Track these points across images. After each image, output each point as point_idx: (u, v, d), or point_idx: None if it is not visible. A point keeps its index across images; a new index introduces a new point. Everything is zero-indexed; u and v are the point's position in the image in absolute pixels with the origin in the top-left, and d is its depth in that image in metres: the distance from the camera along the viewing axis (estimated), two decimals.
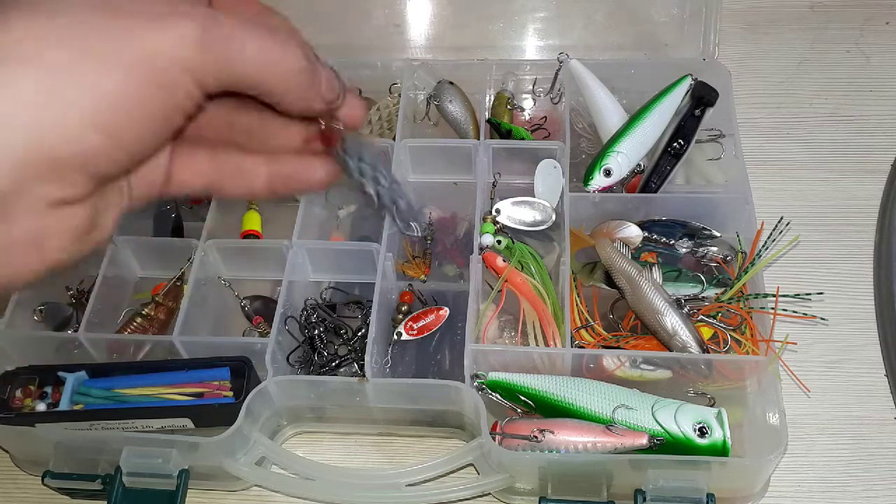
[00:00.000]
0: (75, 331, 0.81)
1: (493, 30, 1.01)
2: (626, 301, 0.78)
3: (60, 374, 0.78)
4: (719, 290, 0.80)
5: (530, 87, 0.98)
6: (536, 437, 0.71)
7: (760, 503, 0.76)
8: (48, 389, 0.79)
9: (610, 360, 0.75)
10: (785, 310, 0.76)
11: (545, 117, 0.97)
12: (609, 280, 0.79)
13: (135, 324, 0.84)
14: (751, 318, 0.77)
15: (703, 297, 0.79)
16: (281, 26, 0.45)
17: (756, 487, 0.75)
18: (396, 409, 0.79)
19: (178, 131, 0.41)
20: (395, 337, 0.82)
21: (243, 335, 0.87)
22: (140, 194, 0.43)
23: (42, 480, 0.76)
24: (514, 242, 0.84)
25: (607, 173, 0.86)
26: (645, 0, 0.98)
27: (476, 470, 0.77)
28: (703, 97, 0.87)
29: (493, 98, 0.98)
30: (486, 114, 0.96)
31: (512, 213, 0.86)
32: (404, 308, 0.85)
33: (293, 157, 0.48)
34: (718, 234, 0.84)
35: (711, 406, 0.74)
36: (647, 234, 0.84)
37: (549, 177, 0.87)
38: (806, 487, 0.78)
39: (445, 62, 0.98)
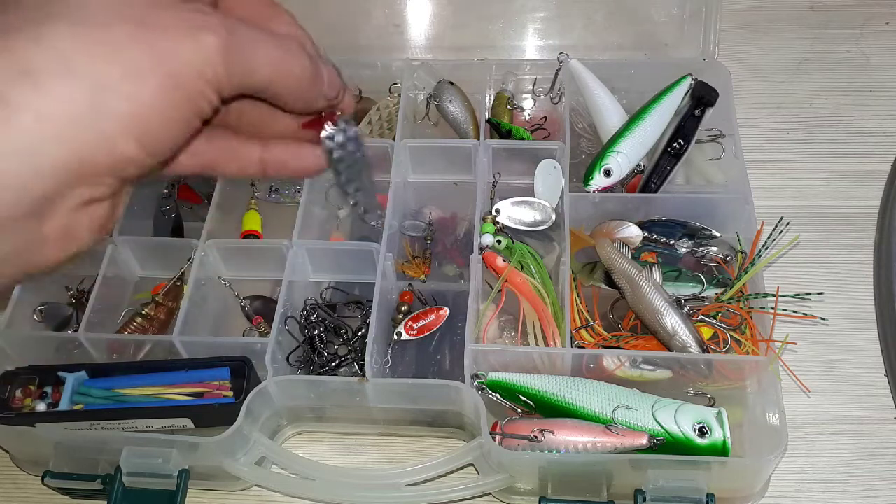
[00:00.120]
0: (75, 331, 0.81)
1: (493, 30, 1.01)
2: (626, 301, 0.78)
3: (60, 374, 0.78)
4: (719, 290, 0.80)
5: (530, 87, 0.99)
6: (536, 437, 0.71)
7: (760, 503, 0.76)
8: (48, 389, 0.79)
9: (610, 360, 0.75)
10: (785, 310, 0.76)
11: (545, 117, 0.97)
12: (609, 280, 0.79)
13: (135, 324, 0.84)
14: (751, 318, 0.77)
15: (703, 297, 0.79)
16: (289, 26, 0.48)
17: (756, 487, 0.75)
18: (396, 409, 0.79)
19: (196, 132, 0.43)
20: (395, 337, 0.82)
21: (243, 335, 0.87)
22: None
23: (42, 480, 0.76)
24: (514, 242, 0.84)
25: (607, 173, 0.86)
26: (645, 0, 0.98)
27: (476, 470, 0.77)
28: (703, 97, 0.87)
29: (493, 98, 0.98)
30: (486, 114, 0.96)
31: (512, 213, 0.86)
32: (404, 308, 0.85)
33: (287, 142, 0.50)
34: (718, 234, 0.84)
35: (711, 406, 0.74)
36: (647, 234, 0.84)
37: (549, 177, 0.87)
38: (806, 487, 0.78)
39: (445, 62, 0.98)
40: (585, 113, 0.94)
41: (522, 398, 0.74)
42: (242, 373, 0.77)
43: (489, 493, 0.76)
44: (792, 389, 0.78)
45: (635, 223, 0.84)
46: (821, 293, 0.78)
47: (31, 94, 0.35)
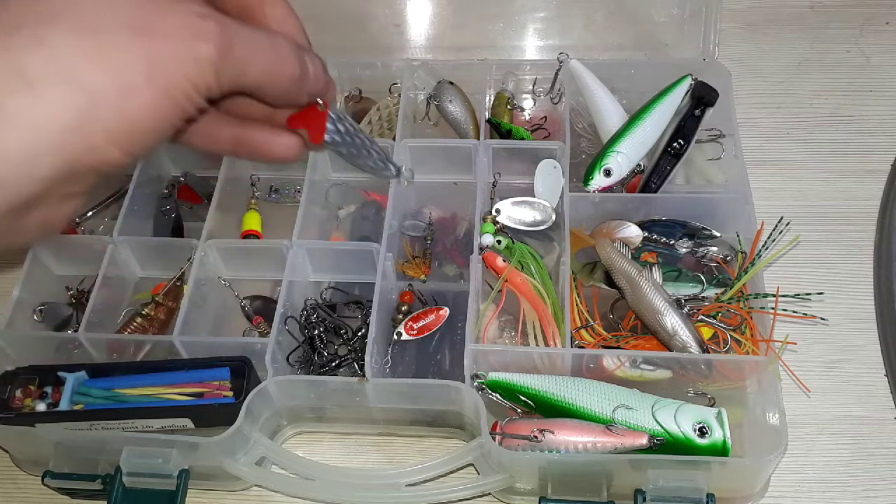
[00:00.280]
0: (75, 331, 0.81)
1: (493, 30, 1.01)
2: (626, 301, 0.78)
3: (60, 374, 0.78)
4: (719, 290, 0.80)
5: (530, 87, 0.99)
6: (536, 437, 0.71)
7: (760, 503, 0.76)
8: (48, 389, 0.79)
9: (610, 360, 0.75)
10: (785, 310, 0.76)
11: (545, 117, 0.97)
12: (609, 280, 0.79)
13: (135, 324, 0.84)
14: (751, 318, 0.77)
15: (703, 297, 0.79)
16: (282, 9, 0.50)
17: (756, 487, 0.75)
18: (396, 409, 0.79)
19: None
20: (395, 337, 0.82)
21: (243, 335, 0.87)
22: None
23: (42, 480, 0.76)
24: (514, 242, 0.84)
25: (607, 173, 0.86)
26: (645, 0, 0.98)
27: (476, 470, 0.77)
28: (703, 97, 0.87)
29: (493, 98, 0.98)
30: (486, 114, 0.96)
31: (512, 213, 0.86)
32: (404, 308, 0.85)
33: (262, 127, 0.51)
34: (718, 234, 0.84)
35: (711, 406, 0.74)
36: (647, 234, 0.84)
37: (549, 177, 0.87)
38: (806, 487, 0.78)
39: (445, 62, 0.98)
40: (585, 113, 0.94)
41: (522, 398, 0.74)
42: (242, 373, 0.77)
43: (489, 493, 0.76)
44: (792, 389, 0.78)
45: (635, 223, 0.84)
46: (821, 293, 0.78)
47: (28, 101, 0.36)
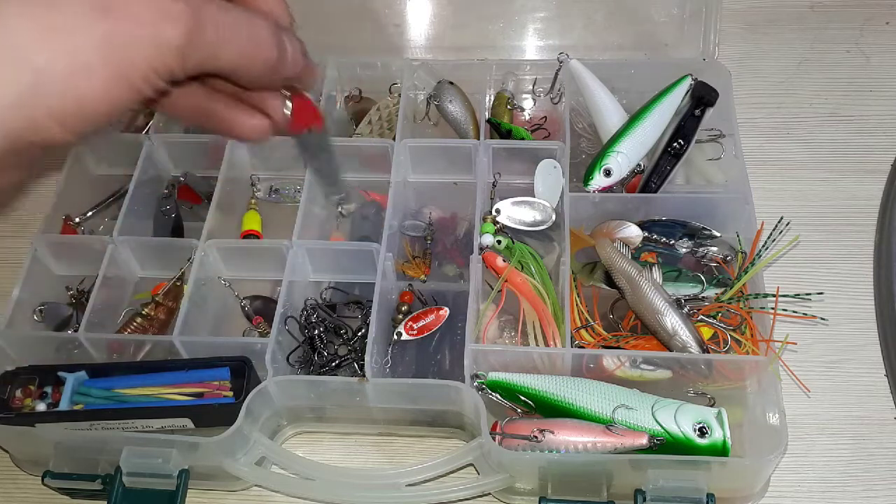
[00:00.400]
0: (75, 331, 0.81)
1: (493, 30, 1.01)
2: (626, 301, 0.78)
3: (60, 374, 0.78)
4: (719, 290, 0.80)
5: (530, 87, 0.99)
6: (536, 437, 0.71)
7: (760, 503, 0.76)
8: (48, 389, 0.79)
9: (610, 360, 0.75)
10: (785, 310, 0.76)
11: (545, 117, 0.97)
12: (609, 280, 0.79)
13: (135, 324, 0.84)
14: (751, 318, 0.77)
15: (703, 297, 0.79)
16: None
17: (756, 487, 0.75)
18: (396, 409, 0.79)
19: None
20: (395, 337, 0.82)
21: (243, 335, 0.87)
22: None
23: (42, 480, 0.76)
24: (514, 242, 0.84)
25: (607, 173, 0.86)
26: (645, 0, 0.98)
27: (476, 470, 0.77)
28: (703, 97, 0.87)
29: (493, 98, 0.98)
30: (486, 114, 0.96)
31: (512, 213, 0.86)
32: (404, 308, 0.85)
33: (229, 102, 0.49)
34: (718, 234, 0.84)
35: (711, 406, 0.74)
36: (647, 234, 0.84)
37: (549, 177, 0.87)
38: (806, 487, 0.78)
39: (445, 62, 0.98)
40: (585, 113, 0.94)
41: (522, 398, 0.74)
42: (242, 373, 0.77)
43: (489, 493, 0.76)
44: (792, 389, 0.78)
45: (635, 223, 0.84)
46: (821, 293, 0.78)
47: None
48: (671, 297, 0.76)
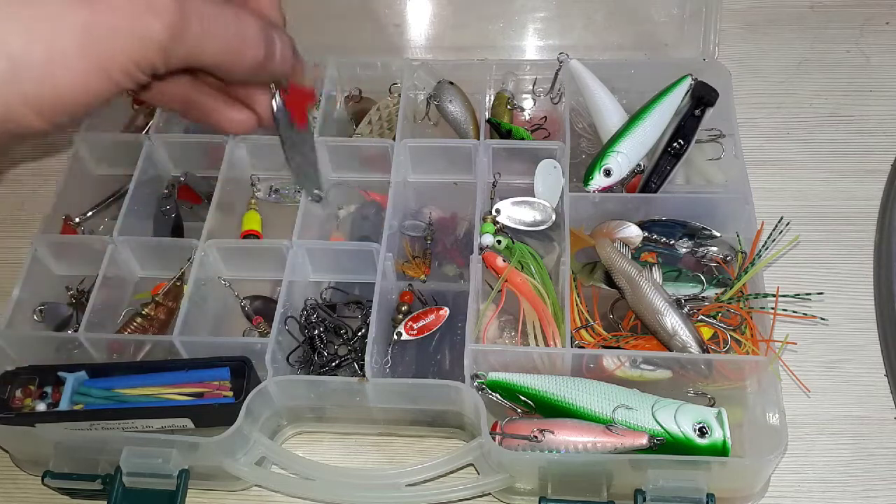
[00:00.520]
0: (75, 331, 0.81)
1: (493, 30, 1.01)
2: (626, 301, 0.78)
3: (60, 374, 0.78)
4: (719, 290, 0.80)
5: (530, 87, 0.99)
6: (536, 437, 0.71)
7: (760, 503, 0.76)
8: (48, 389, 0.79)
9: (610, 360, 0.75)
10: (785, 310, 0.76)
11: (545, 117, 0.97)
12: (609, 280, 0.79)
13: (135, 324, 0.84)
14: (751, 318, 0.77)
15: (703, 297, 0.79)
16: None
17: (756, 487, 0.75)
18: (396, 409, 0.79)
19: None
20: (395, 337, 0.82)
21: (243, 335, 0.87)
22: None
23: (42, 480, 0.76)
24: (514, 242, 0.84)
25: (607, 173, 0.86)
26: (645, 0, 0.98)
27: (476, 470, 0.77)
28: (703, 97, 0.87)
29: (493, 98, 0.98)
30: (486, 114, 0.96)
31: (512, 213, 0.86)
32: (404, 308, 0.85)
33: (215, 94, 0.49)
34: (718, 234, 0.84)
35: (711, 406, 0.74)
36: (647, 234, 0.84)
37: (549, 177, 0.87)
38: (806, 487, 0.78)
39: (445, 62, 0.98)
40: (585, 113, 0.94)
41: (522, 398, 0.74)
42: (242, 373, 0.77)
43: (489, 493, 0.76)
44: (792, 389, 0.78)
45: (635, 223, 0.84)
46: (821, 293, 0.78)
47: None
48: (671, 297, 0.76)
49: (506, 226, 0.86)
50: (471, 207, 0.87)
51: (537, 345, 0.78)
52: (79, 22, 0.37)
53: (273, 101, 0.50)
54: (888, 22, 1.08)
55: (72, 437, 0.76)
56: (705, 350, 0.74)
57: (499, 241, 0.84)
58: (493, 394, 0.75)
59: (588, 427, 0.71)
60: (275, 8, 0.48)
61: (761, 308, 0.77)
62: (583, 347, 0.77)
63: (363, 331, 0.83)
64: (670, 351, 0.75)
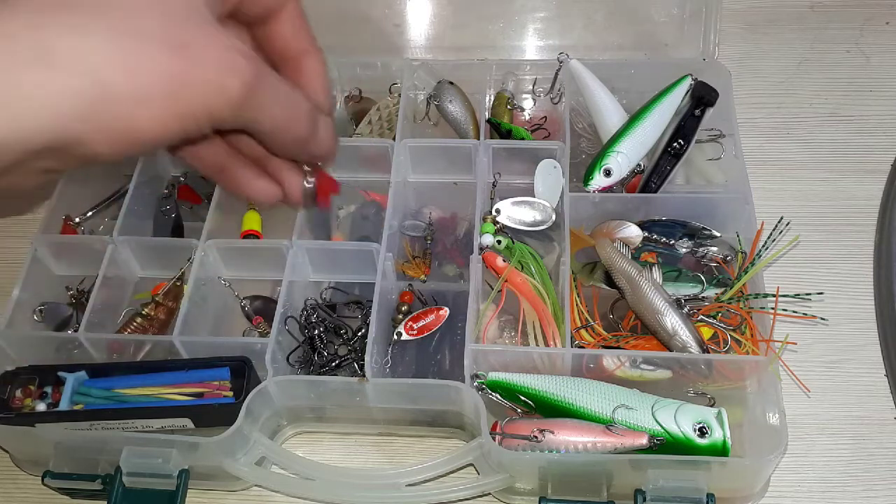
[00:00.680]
0: (75, 331, 0.81)
1: (493, 30, 1.01)
2: (626, 301, 0.78)
3: (60, 374, 0.78)
4: (719, 290, 0.80)
5: (530, 87, 0.98)
6: (536, 437, 0.71)
7: (760, 503, 0.76)
8: (48, 389, 0.78)
9: (610, 360, 0.75)
10: (785, 310, 0.76)
11: (545, 117, 0.97)
12: (609, 280, 0.79)
13: (135, 324, 0.84)
14: (751, 318, 0.77)
15: (703, 297, 0.79)
16: (316, 67, 0.52)
17: (756, 487, 0.75)
18: (396, 409, 0.79)
19: None
20: (395, 337, 0.82)
21: (243, 335, 0.87)
22: None
23: (42, 480, 0.76)
24: (514, 242, 0.84)
25: (607, 173, 0.86)
26: (645, 0, 0.98)
27: (476, 470, 0.77)
28: (703, 97, 0.87)
29: (493, 98, 0.98)
30: (486, 114, 0.96)
31: (512, 213, 0.86)
32: (404, 308, 0.85)
33: (247, 164, 0.52)
34: (718, 234, 0.84)
35: (711, 406, 0.74)
36: (647, 234, 0.84)
37: (549, 177, 0.87)
38: (806, 487, 0.78)
39: (445, 62, 0.98)
40: (585, 113, 0.94)
41: (522, 398, 0.74)
42: (242, 373, 0.77)
43: (489, 493, 0.76)
44: (792, 389, 0.78)
45: (635, 223, 0.84)
46: (821, 293, 0.78)
47: (44, 78, 0.36)
48: (671, 297, 0.76)
49: (506, 226, 0.86)
50: (471, 207, 0.87)
51: (537, 345, 0.78)
52: (171, 67, 0.39)
53: (305, 181, 0.54)
54: (888, 22, 1.08)
55: (72, 437, 0.76)
56: (705, 350, 0.74)
57: (499, 241, 0.84)
58: (493, 394, 0.75)
59: (588, 427, 0.71)
60: (326, 93, 0.52)
61: (761, 308, 0.77)
62: (583, 347, 0.77)
63: (363, 331, 0.83)
64: (670, 351, 0.75)
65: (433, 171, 0.93)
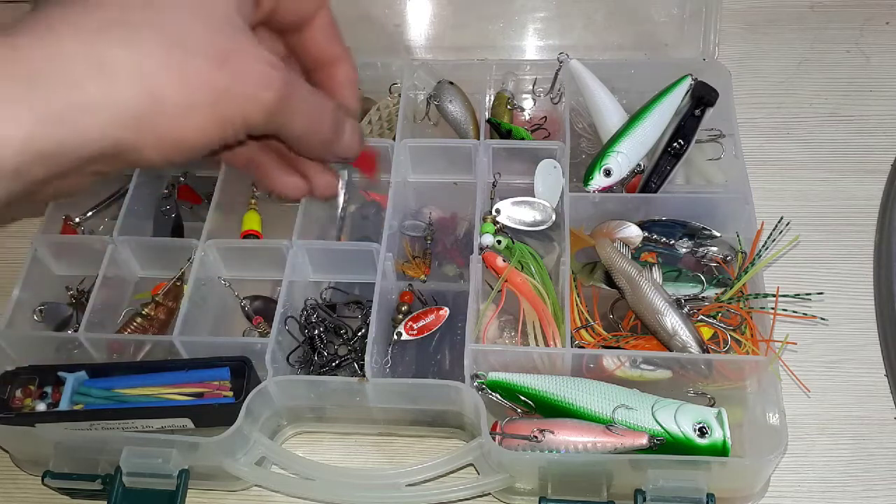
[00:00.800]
0: (75, 331, 0.81)
1: (493, 30, 1.01)
2: (626, 301, 0.78)
3: (60, 374, 0.78)
4: (719, 290, 0.80)
5: (530, 87, 0.98)
6: (536, 437, 0.71)
7: (760, 503, 0.76)
8: (48, 389, 0.79)
9: (610, 360, 0.75)
10: (785, 310, 0.76)
11: (545, 117, 0.97)
12: (609, 280, 0.79)
13: (135, 324, 0.84)
14: (751, 318, 0.77)
15: (703, 297, 0.79)
16: (347, 74, 0.55)
17: (756, 487, 0.75)
18: (396, 409, 0.79)
19: None
20: (395, 337, 0.82)
21: (243, 335, 0.87)
22: None
23: (42, 480, 0.76)
24: (514, 242, 0.84)
25: (607, 173, 0.86)
26: (645, 0, 0.98)
27: (476, 470, 0.77)
28: (703, 97, 0.87)
29: (493, 98, 0.98)
30: (486, 114, 0.96)
31: (512, 213, 0.86)
32: (404, 308, 0.85)
33: (276, 160, 0.55)
34: (718, 234, 0.84)
35: (711, 406, 0.74)
36: (647, 234, 0.84)
37: (549, 177, 0.87)
38: (806, 487, 0.78)
39: (445, 62, 0.98)
40: (585, 113, 0.94)
41: (522, 398, 0.74)
42: (242, 373, 0.77)
43: (489, 493, 0.76)
44: (792, 389, 0.78)
45: (635, 223, 0.84)
46: (821, 293, 0.78)
47: (102, 87, 0.39)
48: (671, 297, 0.76)
49: (506, 226, 0.86)
50: (471, 207, 0.87)
51: (537, 345, 0.78)
52: (215, 79, 0.42)
53: (340, 178, 0.58)
54: (888, 22, 1.08)
55: (72, 437, 0.76)
56: (705, 350, 0.74)
57: (499, 241, 0.84)
58: (493, 394, 0.75)
59: (588, 427, 0.71)
60: (354, 103, 0.56)
61: (761, 308, 0.77)
62: (583, 347, 0.77)
63: (363, 331, 0.83)
64: (670, 351, 0.75)
65: (433, 171, 0.93)
